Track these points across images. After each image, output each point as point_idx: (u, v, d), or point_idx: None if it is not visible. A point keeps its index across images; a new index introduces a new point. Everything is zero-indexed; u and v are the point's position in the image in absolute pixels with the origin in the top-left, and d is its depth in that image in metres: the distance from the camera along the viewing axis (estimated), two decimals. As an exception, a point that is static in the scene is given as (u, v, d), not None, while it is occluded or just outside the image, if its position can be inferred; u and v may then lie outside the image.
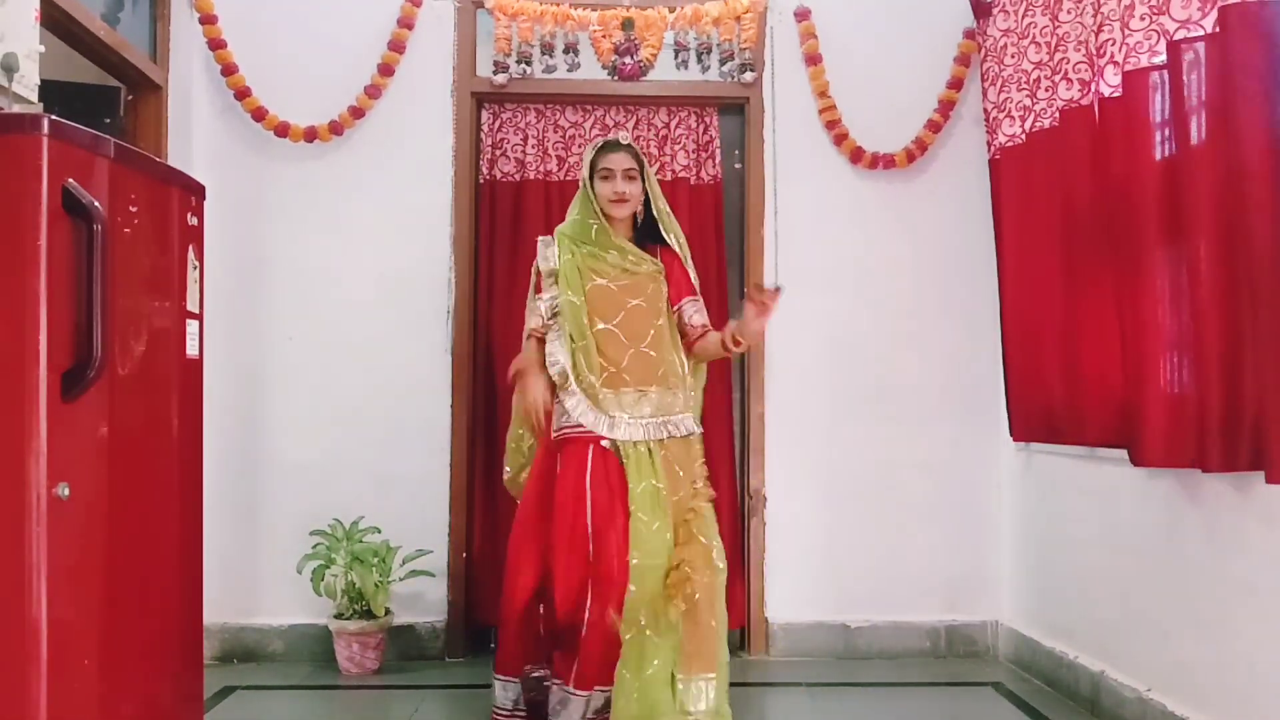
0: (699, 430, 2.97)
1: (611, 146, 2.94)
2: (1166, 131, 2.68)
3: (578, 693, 2.76)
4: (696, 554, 2.78)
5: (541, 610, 2.89)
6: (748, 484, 3.91)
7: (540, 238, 3.06)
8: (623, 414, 2.83)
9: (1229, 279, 2.44)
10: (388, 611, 3.67)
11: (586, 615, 2.74)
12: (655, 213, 3.00)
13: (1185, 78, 2.54)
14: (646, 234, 3.02)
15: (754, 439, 3.89)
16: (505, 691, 2.91)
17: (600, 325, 2.88)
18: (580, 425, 2.83)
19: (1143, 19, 2.68)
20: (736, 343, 2.83)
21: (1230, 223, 2.42)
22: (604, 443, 2.81)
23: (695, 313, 2.99)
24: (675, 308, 2.98)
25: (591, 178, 2.93)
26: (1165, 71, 2.63)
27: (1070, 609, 3.40)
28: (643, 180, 2.94)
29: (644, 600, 2.72)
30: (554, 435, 2.88)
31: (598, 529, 2.76)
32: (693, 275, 3.03)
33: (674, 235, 3.02)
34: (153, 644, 2.34)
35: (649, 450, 2.83)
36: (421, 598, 3.78)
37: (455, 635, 3.81)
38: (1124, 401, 2.88)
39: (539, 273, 2.98)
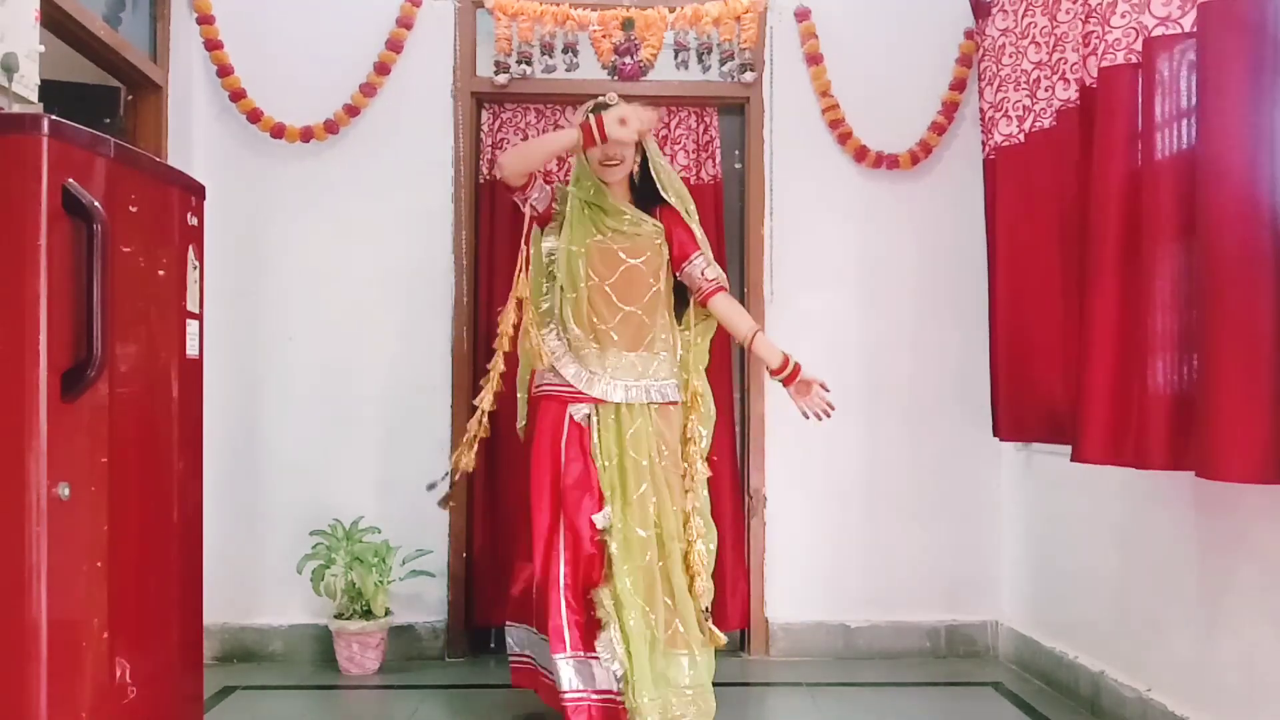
0: (681, 399, 2.98)
1: (602, 108, 2.91)
2: (1144, 131, 2.66)
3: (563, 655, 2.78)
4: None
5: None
6: (748, 484, 3.91)
7: (559, 185, 3.08)
8: (604, 373, 2.85)
9: (1192, 278, 2.45)
10: (388, 611, 3.67)
11: (561, 579, 2.77)
12: (652, 169, 2.97)
13: (1162, 76, 2.54)
14: (646, 195, 3.00)
15: (754, 439, 3.89)
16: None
17: (594, 280, 2.88)
18: (561, 383, 2.87)
19: (1124, 16, 2.67)
20: (775, 373, 2.98)
21: (1207, 223, 2.41)
22: (579, 407, 2.85)
23: (706, 266, 2.97)
24: (684, 264, 2.97)
25: None
26: (1140, 70, 2.62)
27: (1070, 609, 3.40)
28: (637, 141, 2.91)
29: (632, 573, 2.76)
30: (534, 391, 2.94)
31: (567, 492, 2.80)
32: (697, 232, 3.00)
33: (673, 193, 2.99)
34: (153, 644, 2.34)
35: (628, 415, 2.84)
36: (421, 598, 3.78)
37: (455, 635, 3.81)
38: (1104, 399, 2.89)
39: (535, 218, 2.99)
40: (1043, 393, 3.26)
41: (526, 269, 2.99)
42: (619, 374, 2.86)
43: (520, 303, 2.97)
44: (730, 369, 3.91)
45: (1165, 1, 2.55)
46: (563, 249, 2.90)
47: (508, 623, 3.08)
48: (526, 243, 3.02)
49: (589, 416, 2.86)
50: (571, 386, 2.87)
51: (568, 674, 2.74)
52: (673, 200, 2.98)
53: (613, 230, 2.90)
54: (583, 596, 2.78)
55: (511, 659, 3.07)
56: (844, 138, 3.88)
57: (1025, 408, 3.41)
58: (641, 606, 2.75)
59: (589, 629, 2.76)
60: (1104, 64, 2.73)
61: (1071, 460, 2.82)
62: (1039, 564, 3.63)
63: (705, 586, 2.90)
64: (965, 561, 3.89)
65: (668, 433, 2.92)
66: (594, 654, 2.74)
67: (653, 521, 2.83)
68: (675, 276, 3.02)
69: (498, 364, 2.99)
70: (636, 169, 2.99)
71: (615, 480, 2.82)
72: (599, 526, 2.80)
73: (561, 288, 2.91)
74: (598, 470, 2.83)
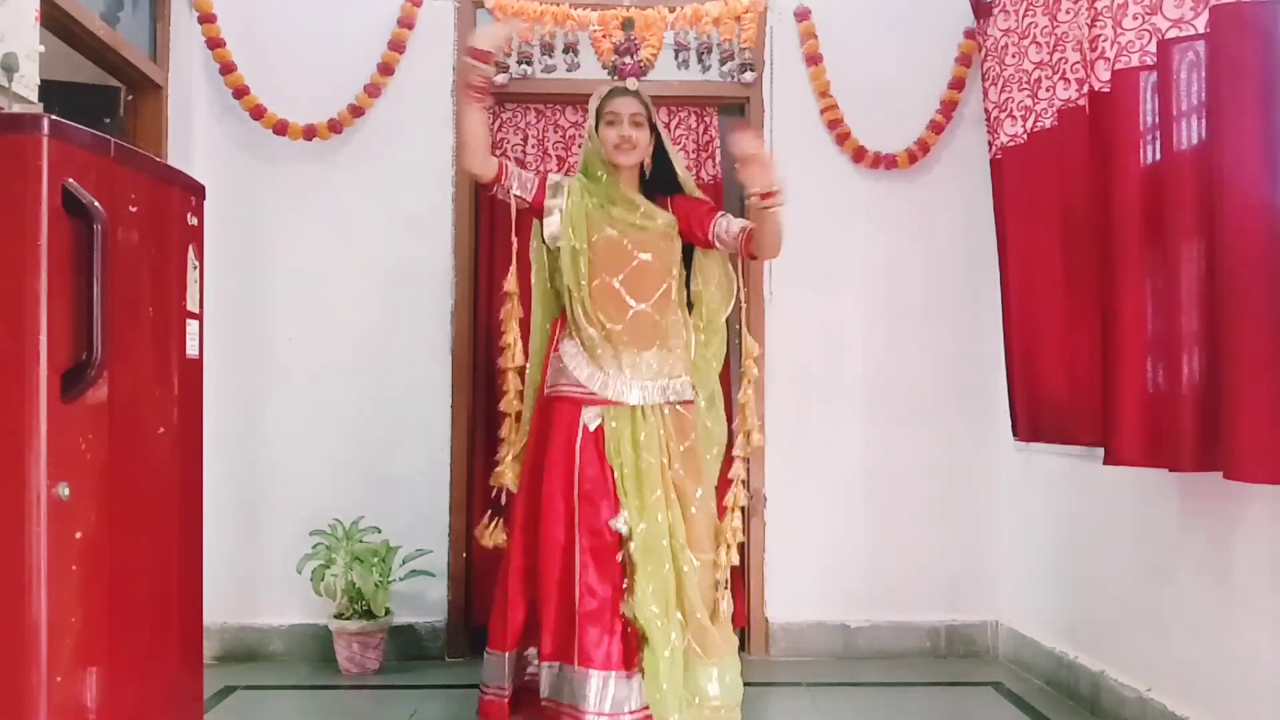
0: (694, 397, 2.88)
1: (618, 92, 2.81)
2: (1155, 133, 2.66)
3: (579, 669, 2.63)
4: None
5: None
6: (748, 484, 3.90)
7: (551, 174, 2.93)
8: (622, 374, 2.73)
9: (1210, 280, 2.44)
10: (388, 611, 3.67)
11: (576, 584, 2.64)
12: (670, 155, 2.87)
13: (1176, 78, 2.53)
14: (656, 187, 2.88)
15: (754, 439, 3.89)
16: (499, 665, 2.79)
17: (603, 279, 2.75)
18: (575, 384, 2.74)
19: (1135, 18, 2.68)
20: (765, 196, 2.65)
21: (1223, 226, 2.40)
22: (590, 410, 2.73)
23: (732, 219, 2.82)
24: (712, 228, 2.82)
25: (597, 125, 2.81)
26: (1155, 71, 2.62)
27: (1070, 609, 3.40)
28: (650, 129, 2.83)
29: (652, 579, 2.65)
30: (547, 392, 2.81)
31: (585, 496, 2.68)
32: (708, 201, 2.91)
33: (686, 185, 2.91)
34: (153, 644, 2.34)
35: (642, 417, 2.73)
36: (421, 598, 3.78)
37: (455, 635, 3.82)
38: (1117, 400, 2.89)
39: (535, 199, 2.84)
40: (1059, 394, 3.25)
41: (519, 263, 2.88)
42: (637, 374, 2.75)
43: (520, 294, 2.89)
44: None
45: (1178, 3, 2.54)
46: (565, 247, 2.76)
47: (493, 650, 2.82)
48: (518, 233, 2.84)
49: (600, 420, 2.74)
50: (585, 388, 2.74)
51: (584, 690, 2.58)
52: (685, 189, 2.89)
53: (623, 223, 2.78)
54: (604, 605, 2.64)
55: (492, 694, 2.81)
56: (842, 138, 3.88)
57: (1042, 409, 3.40)
58: (663, 616, 2.64)
59: (609, 641, 2.62)
60: (1118, 65, 2.71)
61: (1105, 464, 2.79)
62: (1039, 564, 3.63)
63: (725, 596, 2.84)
64: (965, 561, 3.90)
65: (681, 436, 2.80)
66: (624, 670, 2.61)
67: (667, 529, 2.72)
68: (709, 248, 2.88)
69: (512, 402, 2.90)
70: (649, 161, 2.87)
71: (631, 485, 2.70)
72: (619, 531, 2.68)
73: (569, 289, 2.78)
74: (614, 474, 2.71)
